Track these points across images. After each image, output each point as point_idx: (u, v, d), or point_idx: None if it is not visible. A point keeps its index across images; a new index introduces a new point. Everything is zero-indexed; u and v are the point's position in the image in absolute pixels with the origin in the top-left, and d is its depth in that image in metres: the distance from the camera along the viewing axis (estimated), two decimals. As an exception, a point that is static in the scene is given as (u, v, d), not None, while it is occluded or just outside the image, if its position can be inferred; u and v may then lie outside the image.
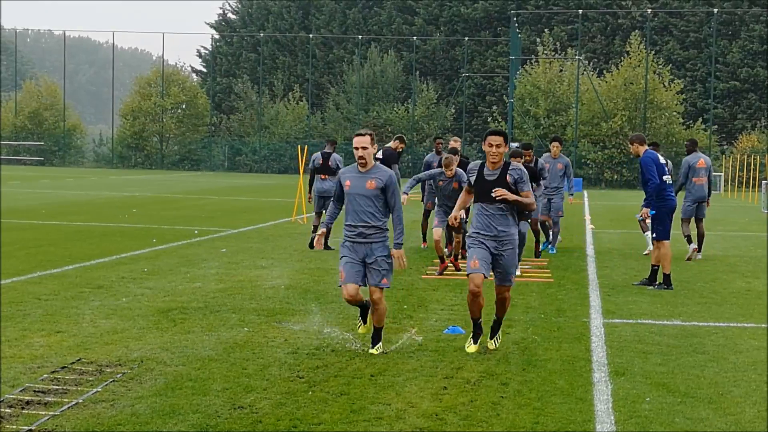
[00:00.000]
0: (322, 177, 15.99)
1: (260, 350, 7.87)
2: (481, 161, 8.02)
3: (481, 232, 7.86)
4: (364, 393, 6.56)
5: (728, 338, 8.78)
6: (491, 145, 7.79)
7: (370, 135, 7.94)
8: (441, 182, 13.66)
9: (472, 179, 7.97)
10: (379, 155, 16.85)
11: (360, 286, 7.88)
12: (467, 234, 8.05)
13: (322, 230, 8.16)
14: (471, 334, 8.12)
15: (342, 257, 7.95)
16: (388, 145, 17.10)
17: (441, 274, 12.86)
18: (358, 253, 7.87)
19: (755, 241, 19.06)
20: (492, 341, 8.10)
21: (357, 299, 7.95)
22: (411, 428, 5.80)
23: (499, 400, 6.47)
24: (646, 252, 15.94)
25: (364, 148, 7.87)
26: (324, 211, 16.10)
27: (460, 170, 13.32)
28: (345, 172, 8.06)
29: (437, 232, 13.29)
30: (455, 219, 8.17)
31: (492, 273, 7.94)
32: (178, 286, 11.34)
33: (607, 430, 5.83)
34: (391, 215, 7.94)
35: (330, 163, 16.00)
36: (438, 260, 13.37)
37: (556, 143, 16.37)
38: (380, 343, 8.01)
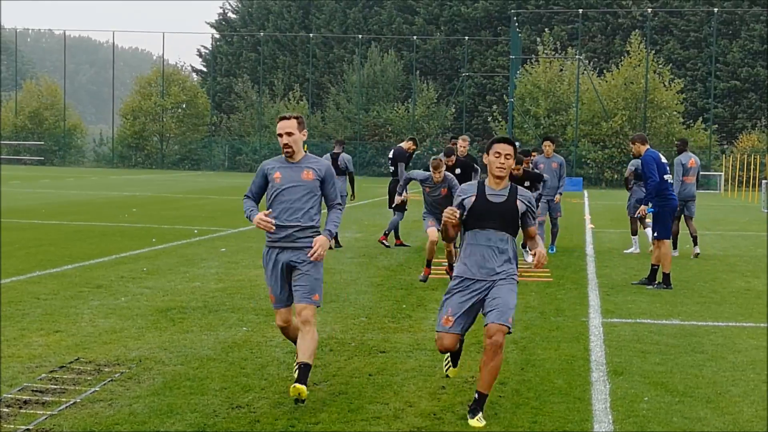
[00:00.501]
0: None
1: (259, 350, 7.87)
2: (477, 182, 6.27)
3: (470, 276, 6.09)
4: (362, 392, 6.56)
5: (727, 338, 8.78)
6: (498, 155, 6.04)
7: (298, 118, 6.51)
8: (428, 188, 12.21)
9: (468, 201, 6.09)
10: (390, 155, 16.90)
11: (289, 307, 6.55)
12: (453, 275, 6.27)
13: None
14: (445, 361, 6.64)
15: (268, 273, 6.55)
16: (400, 144, 16.98)
17: (424, 280, 11.92)
18: (280, 260, 6.47)
19: (755, 240, 19.05)
20: (477, 419, 5.93)
21: (291, 325, 6.59)
22: (409, 428, 5.79)
23: (497, 399, 6.46)
24: (627, 251, 16.24)
25: (289, 134, 6.45)
26: None
27: (451, 175, 12.28)
28: (269, 163, 6.59)
29: (433, 233, 12.09)
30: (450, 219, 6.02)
31: (482, 314, 6.12)
32: (178, 285, 11.34)
33: (604, 429, 5.83)
34: (328, 211, 6.68)
35: (339, 162, 16.34)
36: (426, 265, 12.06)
37: (548, 142, 16.28)
38: (304, 385, 6.10)
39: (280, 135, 6.46)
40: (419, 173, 12.47)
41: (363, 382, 6.87)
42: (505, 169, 6.06)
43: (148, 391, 6.50)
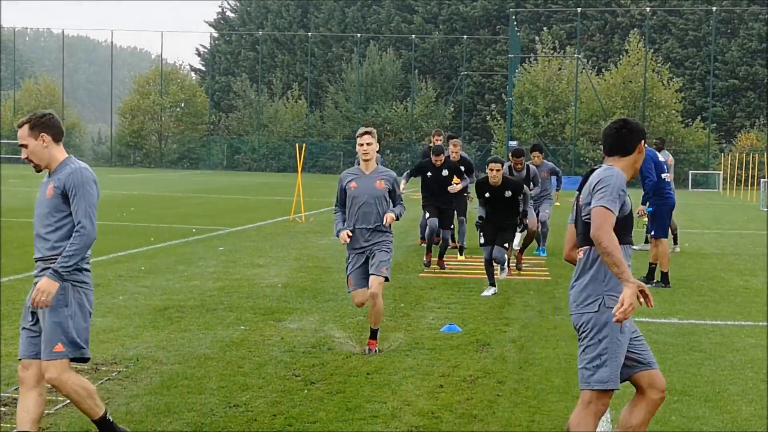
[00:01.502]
0: None
1: (256, 349, 7.85)
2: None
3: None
4: (360, 391, 6.55)
5: (725, 336, 8.77)
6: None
7: (30, 122, 4.99)
8: (354, 185, 7.89)
9: (621, 202, 4.50)
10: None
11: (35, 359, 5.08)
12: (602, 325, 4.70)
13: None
14: None
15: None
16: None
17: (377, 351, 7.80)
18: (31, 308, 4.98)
19: (754, 239, 19.04)
20: None
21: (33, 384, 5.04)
22: (407, 427, 5.78)
23: (495, 398, 6.46)
24: None
25: (23, 146, 5.02)
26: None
27: (383, 168, 8.13)
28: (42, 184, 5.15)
29: (361, 295, 7.89)
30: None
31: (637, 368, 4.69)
32: (176, 284, 11.32)
33: (602, 428, 5.81)
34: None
35: None
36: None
37: (536, 153, 15.97)
38: None
39: (20, 147, 5.07)
40: (345, 175, 8.15)
41: (361, 381, 6.85)
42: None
43: (146, 390, 6.49)
